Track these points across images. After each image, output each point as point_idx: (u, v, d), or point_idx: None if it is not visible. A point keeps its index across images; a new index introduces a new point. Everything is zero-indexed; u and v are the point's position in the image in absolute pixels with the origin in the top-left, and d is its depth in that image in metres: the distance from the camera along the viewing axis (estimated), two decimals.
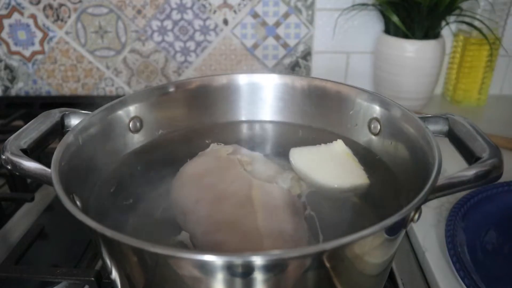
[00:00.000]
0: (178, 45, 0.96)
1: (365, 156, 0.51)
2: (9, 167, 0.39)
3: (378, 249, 0.35)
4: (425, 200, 0.34)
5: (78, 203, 0.39)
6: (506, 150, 0.71)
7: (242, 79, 0.58)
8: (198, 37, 0.96)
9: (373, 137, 0.52)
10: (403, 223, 0.35)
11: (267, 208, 0.44)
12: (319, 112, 0.57)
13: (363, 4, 0.89)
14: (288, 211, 0.43)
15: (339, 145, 0.52)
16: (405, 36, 0.82)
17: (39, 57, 0.98)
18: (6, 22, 0.95)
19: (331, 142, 0.52)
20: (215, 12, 0.93)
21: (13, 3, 0.93)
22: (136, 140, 0.54)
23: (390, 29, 0.86)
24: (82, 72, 1.00)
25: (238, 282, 0.31)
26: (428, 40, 0.82)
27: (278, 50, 0.97)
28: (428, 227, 0.56)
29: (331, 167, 0.49)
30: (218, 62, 0.98)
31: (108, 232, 0.30)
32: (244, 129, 0.59)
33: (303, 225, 0.42)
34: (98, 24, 0.95)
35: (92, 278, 0.45)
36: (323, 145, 0.52)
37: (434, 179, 0.35)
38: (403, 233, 0.39)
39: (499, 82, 0.98)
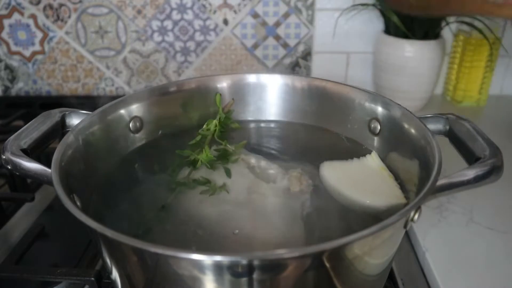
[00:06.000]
0: (178, 45, 0.96)
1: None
2: (9, 167, 0.39)
3: (378, 249, 0.35)
4: (425, 200, 0.34)
5: (78, 203, 0.39)
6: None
7: (242, 79, 0.58)
8: (198, 37, 0.96)
9: (373, 137, 0.52)
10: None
11: (265, 208, 0.44)
12: (320, 112, 0.57)
13: (363, 4, 0.89)
14: (285, 211, 0.44)
15: (373, 159, 0.49)
16: (405, 36, 0.82)
17: (39, 57, 0.98)
18: (6, 22, 0.95)
19: (364, 155, 0.49)
20: (215, 12, 0.93)
21: (13, 3, 0.93)
22: (136, 140, 0.54)
23: (390, 29, 0.86)
24: (82, 72, 1.00)
25: (238, 282, 0.31)
26: (428, 40, 0.82)
27: (278, 50, 0.97)
28: (428, 227, 0.56)
29: (365, 183, 0.46)
30: (218, 62, 0.98)
31: (109, 232, 0.30)
32: (244, 129, 0.59)
33: (300, 225, 0.42)
34: (98, 24, 0.95)
35: (92, 278, 0.45)
36: (355, 159, 0.49)
37: (434, 179, 0.35)
38: (403, 233, 0.39)
39: (499, 82, 0.98)
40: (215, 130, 0.53)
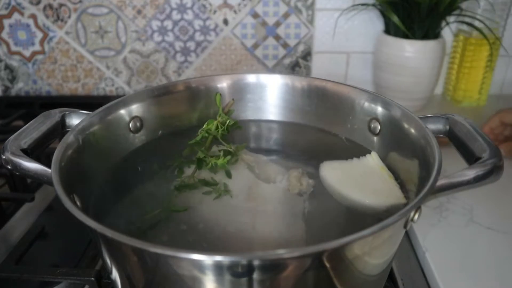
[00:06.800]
0: (178, 45, 0.96)
1: None
2: (9, 167, 0.39)
3: (378, 249, 0.35)
4: (425, 200, 0.34)
5: (78, 203, 0.39)
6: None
7: (242, 79, 0.58)
8: (198, 37, 0.96)
9: (373, 137, 0.52)
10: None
11: (265, 208, 0.44)
12: (319, 112, 0.57)
13: (363, 4, 0.89)
14: (285, 211, 0.44)
15: (373, 159, 0.49)
16: (405, 36, 0.82)
17: (39, 57, 0.98)
18: (6, 22, 0.95)
19: (364, 155, 0.49)
20: (215, 12, 0.93)
21: (13, 3, 0.93)
22: (136, 140, 0.54)
23: (390, 29, 0.86)
24: (82, 72, 1.00)
25: (238, 282, 0.31)
26: (428, 40, 0.82)
27: (278, 50, 0.97)
28: (428, 227, 0.56)
29: (365, 183, 0.46)
30: (218, 62, 0.98)
31: (108, 232, 0.30)
32: (244, 128, 0.59)
33: (300, 225, 0.42)
34: (98, 24, 0.95)
35: (92, 278, 0.45)
36: (355, 159, 0.49)
37: (434, 179, 0.35)
38: (403, 233, 0.39)
39: (499, 82, 0.98)
40: (218, 131, 0.53)
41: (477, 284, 0.48)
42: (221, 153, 0.49)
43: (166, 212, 0.43)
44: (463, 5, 0.83)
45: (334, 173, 0.48)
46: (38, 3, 0.93)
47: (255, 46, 0.97)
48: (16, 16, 0.94)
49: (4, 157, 0.40)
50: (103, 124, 0.49)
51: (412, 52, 0.82)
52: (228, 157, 0.49)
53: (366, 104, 0.52)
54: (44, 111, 0.47)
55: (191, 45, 0.96)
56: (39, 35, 0.96)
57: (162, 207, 0.44)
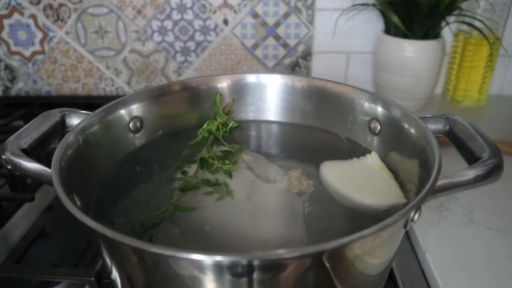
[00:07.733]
0: (178, 45, 0.96)
1: None
2: (10, 167, 0.39)
3: (378, 249, 0.35)
4: (425, 200, 0.34)
5: (78, 203, 0.39)
6: (506, 155, 0.71)
7: (242, 79, 0.58)
8: (198, 37, 0.96)
9: (373, 137, 0.52)
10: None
11: (265, 208, 0.44)
12: (319, 112, 0.57)
13: (363, 4, 0.89)
14: (285, 211, 0.44)
15: (373, 159, 0.49)
16: (405, 36, 0.82)
17: (39, 57, 0.98)
18: (6, 22, 0.95)
19: (364, 155, 0.50)
20: (215, 12, 0.93)
21: (13, 3, 0.93)
22: (136, 140, 0.54)
23: (390, 29, 0.86)
24: (82, 72, 1.00)
25: (238, 282, 0.31)
26: (428, 40, 0.82)
27: (278, 50, 0.97)
28: (428, 227, 0.56)
29: (365, 183, 0.46)
30: (218, 62, 0.98)
31: (109, 232, 0.30)
32: (245, 129, 0.59)
33: (300, 225, 0.42)
34: (98, 24, 0.95)
35: (92, 278, 0.45)
36: (355, 159, 0.49)
37: (434, 179, 0.35)
38: (403, 233, 0.39)
39: (499, 82, 0.98)
40: (219, 131, 0.53)
41: (477, 284, 0.48)
42: (227, 162, 0.49)
43: (169, 211, 0.43)
44: (463, 5, 0.83)
45: (334, 173, 0.48)
46: (38, 3, 0.93)
47: (255, 46, 0.97)
48: (16, 16, 0.94)
49: (4, 157, 0.40)
50: (103, 124, 0.49)
51: (412, 52, 0.82)
52: (236, 167, 0.49)
53: (366, 104, 0.52)
54: (44, 111, 0.47)
55: (191, 45, 0.96)
56: (39, 35, 0.96)
57: (162, 207, 0.44)
